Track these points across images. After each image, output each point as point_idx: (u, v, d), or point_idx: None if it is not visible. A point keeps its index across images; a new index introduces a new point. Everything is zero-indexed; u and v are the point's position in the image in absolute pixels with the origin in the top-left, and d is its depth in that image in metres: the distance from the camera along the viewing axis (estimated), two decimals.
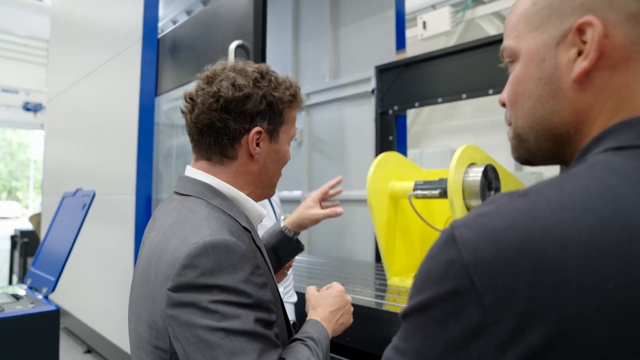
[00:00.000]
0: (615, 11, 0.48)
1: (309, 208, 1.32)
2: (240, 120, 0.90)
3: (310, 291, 1.08)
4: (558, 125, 0.52)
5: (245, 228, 0.89)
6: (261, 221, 1.01)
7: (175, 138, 3.74)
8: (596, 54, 0.48)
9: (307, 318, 0.99)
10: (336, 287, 1.08)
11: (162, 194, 3.49)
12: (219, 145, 0.92)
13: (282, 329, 0.93)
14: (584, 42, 0.49)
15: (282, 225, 1.31)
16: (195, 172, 0.94)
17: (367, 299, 2.00)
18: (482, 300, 0.41)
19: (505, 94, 0.59)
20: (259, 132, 0.92)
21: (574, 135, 0.52)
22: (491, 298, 0.40)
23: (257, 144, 0.92)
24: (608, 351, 0.37)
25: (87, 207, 2.25)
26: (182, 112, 0.96)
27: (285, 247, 1.30)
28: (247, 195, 0.95)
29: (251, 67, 0.95)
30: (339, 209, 1.32)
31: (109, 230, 3.65)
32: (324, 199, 1.36)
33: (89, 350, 4.09)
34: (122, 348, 3.37)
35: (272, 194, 1.02)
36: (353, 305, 1.85)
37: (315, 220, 1.31)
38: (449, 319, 0.43)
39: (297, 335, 0.93)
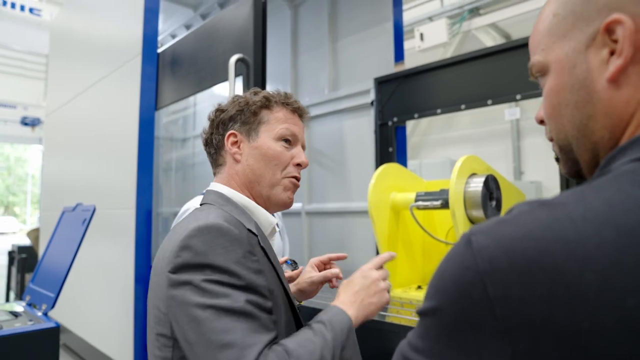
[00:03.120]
0: None
1: (308, 273, 1.31)
2: (220, 130, 1.05)
3: (347, 279, 1.04)
4: (595, 131, 0.52)
5: (250, 231, 0.93)
6: (274, 230, 1.06)
7: (174, 151, 3.74)
8: (631, 49, 0.47)
9: (331, 304, 0.96)
10: (366, 270, 1.03)
11: (162, 207, 3.48)
12: (212, 156, 1.08)
13: (290, 326, 0.95)
14: (615, 41, 0.48)
15: None
16: (214, 184, 1.07)
17: None
18: (494, 309, 0.40)
19: (542, 110, 0.59)
20: (233, 134, 1.04)
21: (608, 142, 0.51)
22: (504, 308, 0.40)
23: (237, 146, 1.04)
24: None
25: (87, 222, 2.23)
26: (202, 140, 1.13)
27: None
28: (254, 200, 1.04)
29: (257, 97, 1.07)
30: (334, 270, 1.27)
31: (109, 245, 3.63)
32: (323, 264, 1.34)
33: None
34: None
35: (278, 197, 1.03)
36: None
37: (313, 284, 1.28)
38: (462, 323, 0.43)
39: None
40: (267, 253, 0.95)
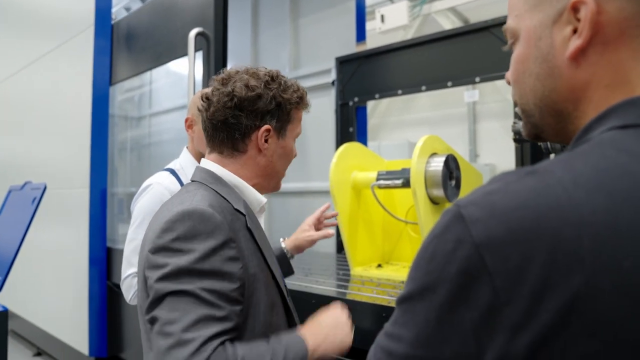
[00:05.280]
0: None
1: (305, 231, 1.51)
2: (252, 117, 1.00)
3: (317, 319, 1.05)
4: (558, 102, 0.53)
5: (238, 211, 0.96)
6: (263, 209, 1.10)
7: (129, 131, 3.61)
8: (590, 32, 0.48)
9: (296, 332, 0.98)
10: (335, 308, 1.07)
11: (118, 187, 3.37)
12: (232, 139, 1.02)
13: (276, 308, 1.00)
14: (579, 20, 0.49)
15: (282, 246, 1.48)
16: (205, 162, 1.06)
17: (330, 288, 2.01)
18: (494, 281, 0.39)
19: (509, 73, 0.60)
20: (268, 130, 1.02)
21: (574, 112, 0.52)
22: (503, 278, 0.39)
23: (266, 140, 1.03)
24: (624, 328, 0.37)
25: (37, 202, 2.13)
26: (199, 110, 1.05)
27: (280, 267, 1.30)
28: (253, 185, 1.05)
29: (263, 71, 1.05)
30: (331, 231, 1.52)
31: (61, 226, 3.49)
32: (319, 222, 1.55)
33: (38, 353, 3.91)
34: (76, 348, 3.24)
35: (278, 188, 1.13)
36: (316, 296, 1.85)
37: (312, 242, 1.50)
38: (457, 301, 0.41)
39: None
40: (254, 234, 0.97)
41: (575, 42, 0.49)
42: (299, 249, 1.50)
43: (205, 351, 0.78)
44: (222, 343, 0.81)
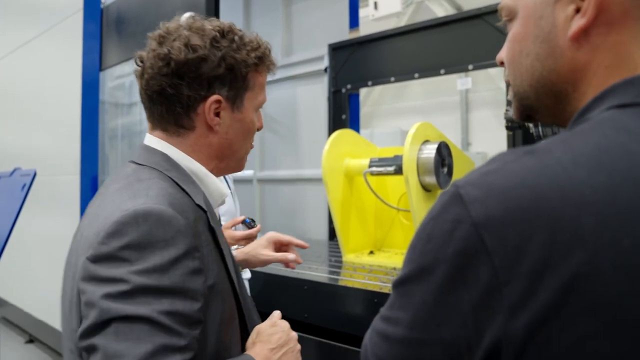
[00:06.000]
0: None
1: (261, 247, 1.27)
2: (195, 86, 0.80)
3: (258, 326, 0.91)
4: (557, 83, 0.52)
5: (200, 207, 0.80)
6: (223, 202, 0.93)
7: (120, 118, 3.58)
8: (594, 11, 0.47)
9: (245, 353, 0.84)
10: (280, 323, 0.91)
11: (109, 175, 3.35)
12: (172, 114, 0.82)
13: (232, 319, 0.85)
14: None
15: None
16: (155, 140, 0.85)
17: (323, 275, 2.02)
18: (493, 261, 0.39)
19: (503, 53, 0.58)
20: (218, 101, 0.82)
21: (573, 93, 0.51)
22: (502, 258, 0.39)
23: (218, 114, 0.83)
24: (623, 308, 0.37)
25: (27, 188, 2.11)
26: (135, 75, 0.86)
27: None
28: (210, 170, 0.87)
29: (211, 24, 0.83)
30: (290, 257, 1.24)
31: (51, 213, 3.47)
32: (281, 244, 1.30)
33: (31, 340, 3.90)
34: None
35: (241, 168, 0.94)
36: (310, 282, 1.86)
37: (264, 263, 1.26)
38: (455, 282, 0.41)
39: None
40: (215, 234, 0.82)
41: (579, 22, 0.48)
42: (248, 264, 1.27)
43: None
44: None
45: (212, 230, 0.81)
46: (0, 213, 2.23)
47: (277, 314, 0.94)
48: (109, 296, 0.65)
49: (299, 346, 0.91)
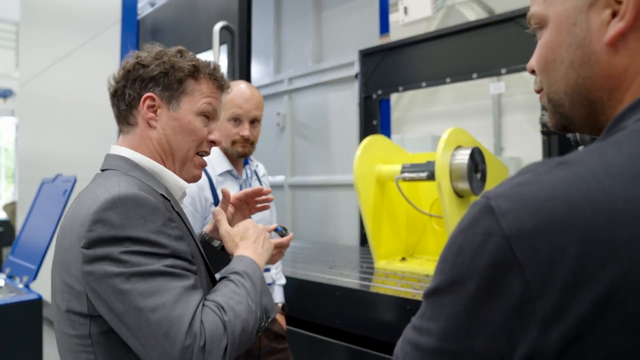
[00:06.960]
0: None
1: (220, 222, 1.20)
2: (135, 86, 0.94)
3: (230, 229, 1.02)
4: (592, 91, 0.50)
5: (163, 196, 0.89)
6: (184, 194, 1.02)
7: None
8: (633, 13, 0.46)
9: (234, 256, 0.97)
10: (244, 222, 1.05)
11: None
12: (120, 111, 0.97)
13: (207, 285, 0.95)
14: (619, 2, 0.46)
15: (202, 231, 1.18)
16: (116, 148, 0.97)
17: (354, 281, 2.02)
18: (525, 274, 0.39)
19: (534, 61, 0.57)
20: (151, 98, 0.94)
21: (608, 101, 0.50)
22: (534, 271, 0.38)
23: (155, 112, 0.95)
24: None
25: (68, 193, 2.20)
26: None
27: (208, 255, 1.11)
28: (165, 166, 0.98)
29: (172, 50, 0.98)
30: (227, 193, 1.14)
31: None
32: (238, 202, 1.20)
33: None
34: None
35: (193, 174, 1.00)
36: (341, 288, 1.87)
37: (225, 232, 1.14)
38: (486, 294, 0.41)
39: (222, 274, 0.94)
40: (182, 217, 0.93)
41: (616, 26, 0.46)
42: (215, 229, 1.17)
43: (197, 318, 0.76)
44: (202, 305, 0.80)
45: (178, 214, 0.92)
46: (43, 217, 2.32)
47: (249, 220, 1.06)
48: (113, 267, 0.76)
49: (267, 233, 1.05)
